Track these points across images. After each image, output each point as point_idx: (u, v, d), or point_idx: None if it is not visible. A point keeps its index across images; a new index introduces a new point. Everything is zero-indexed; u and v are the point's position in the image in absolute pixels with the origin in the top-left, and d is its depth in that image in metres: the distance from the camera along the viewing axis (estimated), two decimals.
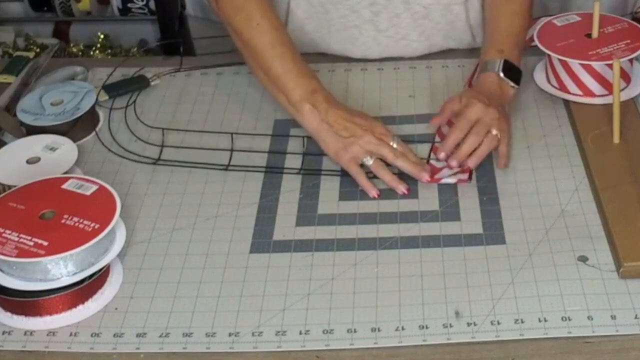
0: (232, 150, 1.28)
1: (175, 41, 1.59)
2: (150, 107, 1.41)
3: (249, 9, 1.30)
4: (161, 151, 1.29)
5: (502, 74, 1.29)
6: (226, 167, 1.26)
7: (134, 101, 1.42)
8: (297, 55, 1.30)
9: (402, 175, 1.22)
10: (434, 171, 1.22)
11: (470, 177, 1.20)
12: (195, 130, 1.34)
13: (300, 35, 1.47)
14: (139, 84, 1.46)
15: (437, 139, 1.28)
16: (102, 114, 1.39)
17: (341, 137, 1.22)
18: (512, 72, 1.31)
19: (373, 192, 1.19)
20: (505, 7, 1.37)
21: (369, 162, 1.21)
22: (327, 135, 1.23)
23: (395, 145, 1.22)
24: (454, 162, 1.20)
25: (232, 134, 1.29)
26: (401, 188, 1.19)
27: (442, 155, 1.21)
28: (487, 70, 1.31)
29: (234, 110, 1.39)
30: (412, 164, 1.21)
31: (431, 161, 1.24)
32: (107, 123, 1.37)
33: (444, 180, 1.20)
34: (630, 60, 1.34)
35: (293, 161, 1.27)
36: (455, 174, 1.21)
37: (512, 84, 1.30)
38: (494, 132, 1.21)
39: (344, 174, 1.23)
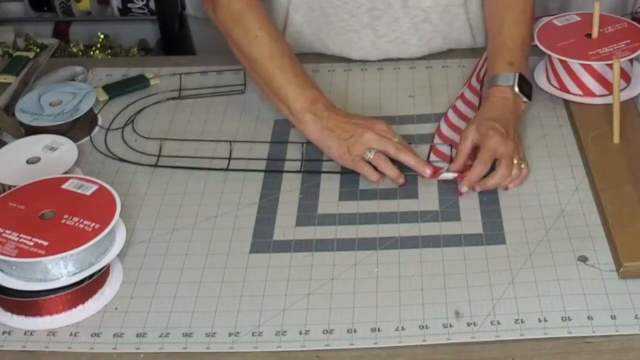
0: (230, 158, 1.28)
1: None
2: (149, 109, 1.41)
3: (247, 20, 1.31)
4: (157, 160, 1.29)
5: (517, 89, 1.27)
6: (225, 169, 1.26)
7: (132, 120, 1.38)
8: (297, 65, 1.29)
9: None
10: (435, 170, 1.21)
11: None
12: (193, 139, 1.32)
13: (298, 38, 1.47)
14: (139, 84, 1.46)
15: (437, 139, 1.28)
16: (100, 115, 1.39)
17: (343, 139, 1.22)
18: (525, 86, 1.29)
19: (397, 180, 1.20)
20: (509, 15, 1.35)
21: (371, 154, 1.20)
22: (329, 140, 1.23)
23: (396, 141, 1.22)
24: (477, 189, 1.18)
25: (230, 142, 1.30)
26: (401, 180, 1.20)
27: (464, 188, 1.18)
28: (497, 84, 1.27)
29: (234, 110, 1.39)
30: (416, 158, 1.21)
31: (431, 162, 1.24)
32: (107, 126, 1.38)
33: (443, 176, 1.20)
34: (631, 60, 1.34)
35: (292, 167, 1.26)
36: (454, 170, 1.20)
37: (525, 99, 1.28)
38: (523, 165, 1.20)
39: (343, 173, 1.23)
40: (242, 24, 1.31)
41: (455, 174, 1.19)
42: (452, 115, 1.31)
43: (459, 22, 1.47)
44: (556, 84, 1.36)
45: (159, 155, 1.29)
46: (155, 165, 1.28)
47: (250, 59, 1.31)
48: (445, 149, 1.26)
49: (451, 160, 1.23)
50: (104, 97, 1.42)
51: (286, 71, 1.28)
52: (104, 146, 1.33)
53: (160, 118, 1.39)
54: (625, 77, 1.34)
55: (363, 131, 1.21)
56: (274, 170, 1.26)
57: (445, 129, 1.29)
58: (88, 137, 1.34)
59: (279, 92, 1.28)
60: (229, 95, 1.43)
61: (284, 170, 1.26)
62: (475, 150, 1.21)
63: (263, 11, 1.33)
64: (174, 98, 1.44)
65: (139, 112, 1.40)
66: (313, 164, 1.26)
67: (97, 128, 1.37)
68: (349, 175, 1.23)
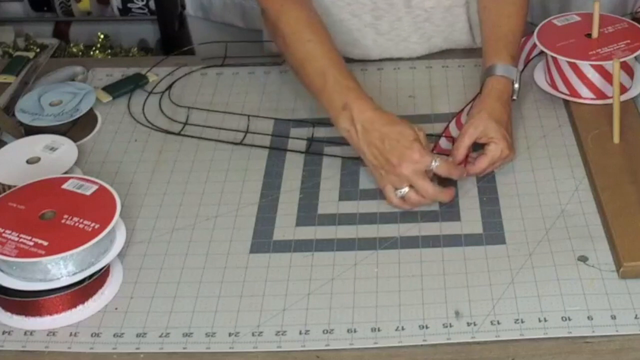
0: (246, 132, 1.31)
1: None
2: (153, 103, 1.42)
3: (280, 29, 1.29)
4: (184, 126, 1.34)
5: (517, 85, 1.27)
6: (240, 142, 1.30)
7: (170, 86, 1.46)
8: (328, 68, 1.23)
9: None
10: (438, 151, 1.21)
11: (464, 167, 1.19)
12: (215, 110, 1.38)
13: None
14: (138, 81, 1.46)
15: (444, 136, 1.27)
16: (100, 115, 1.39)
17: (374, 165, 1.17)
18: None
19: (443, 198, 1.16)
20: (510, 8, 1.35)
21: (402, 192, 1.16)
22: (362, 156, 1.19)
23: (435, 164, 1.15)
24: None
25: (248, 115, 1.34)
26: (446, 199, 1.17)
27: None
28: (501, 74, 1.26)
29: (234, 110, 1.39)
30: (442, 192, 1.16)
31: (440, 143, 1.25)
32: (107, 125, 1.38)
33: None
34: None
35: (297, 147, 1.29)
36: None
37: (515, 96, 1.28)
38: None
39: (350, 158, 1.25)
40: (278, 33, 1.30)
41: None
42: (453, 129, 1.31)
43: (460, 23, 1.47)
44: (556, 84, 1.36)
45: (186, 123, 1.35)
46: (180, 131, 1.33)
47: (289, 64, 1.31)
48: (448, 145, 1.25)
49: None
50: (107, 98, 1.42)
51: (316, 76, 1.24)
52: (105, 145, 1.33)
53: (162, 114, 1.39)
54: (630, 73, 1.33)
55: (396, 166, 1.14)
56: (278, 148, 1.29)
57: (455, 131, 1.28)
58: (88, 137, 1.34)
59: (316, 97, 1.25)
60: (229, 93, 1.44)
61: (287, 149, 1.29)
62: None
63: (293, 14, 1.29)
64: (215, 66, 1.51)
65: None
66: (318, 146, 1.28)
67: (97, 128, 1.37)
68: (349, 176, 1.23)
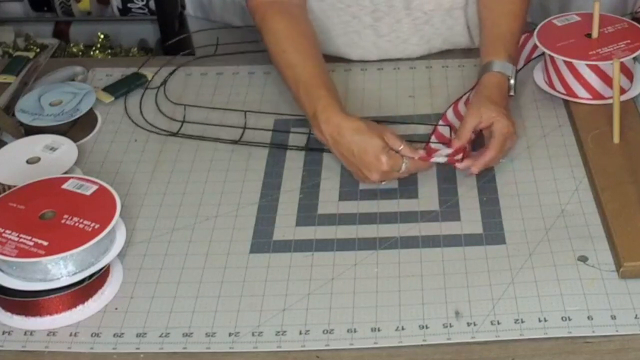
0: (244, 128, 1.32)
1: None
2: (152, 103, 1.42)
3: (264, 36, 1.35)
4: (182, 125, 1.34)
5: (512, 82, 1.28)
6: (237, 141, 1.30)
7: (164, 81, 1.46)
8: (300, 76, 1.28)
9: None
10: (430, 152, 1.21)
11: (462, 159, 1.19)
12: (212, 107, 1.38)
13: None
14: (137, 81, 1.46)
15: (441, 121, 1.28)
16: (100, 115, 1.39)
17: (351, 170, 1.21)
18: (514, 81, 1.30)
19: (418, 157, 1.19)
20: (510, 7, 1.35)
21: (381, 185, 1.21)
22: (339, 159, 1.23)
23: (405, 166, 1.18)
24: (475, 170, 1.19)
25: (245, 112, 1.34)
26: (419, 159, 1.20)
27: (476, 170, 1.19)
28: (497, 70, 1.28)
29: (234, 110, 1.39)
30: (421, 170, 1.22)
31: (430, 144, 1.24)
32: (108, 125, 1.38)
33: (435, 159, 1.20)
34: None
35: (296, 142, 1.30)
36: (448, 154, 1.20)
37: (512, 92, 1.29)
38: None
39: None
40: (264, 39, 1.36)
41: (447, 158, 1.19)
42: (450, 115, 1.31)
43: (459, 25, 1.47)
44: (556, 84, 1.36)
45: (183, 121, 1.35)
46: (177, 132, 1.33)
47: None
48: (445, 131, 1.25)
49: (447, 143, 1.22)
50: (109, 99, 1.42)
51: (293, 82, 1.29)
52: (105, 145, 1.33)
53: (162, 113, 1.39)
54: (629, 75, 1.34)
55: (368, 175, 1.18)
56: (280, 147, 1.30)
57: (451, 115, 1.28)
58: (88, 137, 1.34)
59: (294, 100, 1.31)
60: (229, 93, 1.44)
61: (287, 146, 1.30)
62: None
63: (273, 25, 1.34)
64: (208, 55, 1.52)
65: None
66: (318, 145, 1.28)
67: (97, 128, 1.37)
68: (349, 176, 1.23)
